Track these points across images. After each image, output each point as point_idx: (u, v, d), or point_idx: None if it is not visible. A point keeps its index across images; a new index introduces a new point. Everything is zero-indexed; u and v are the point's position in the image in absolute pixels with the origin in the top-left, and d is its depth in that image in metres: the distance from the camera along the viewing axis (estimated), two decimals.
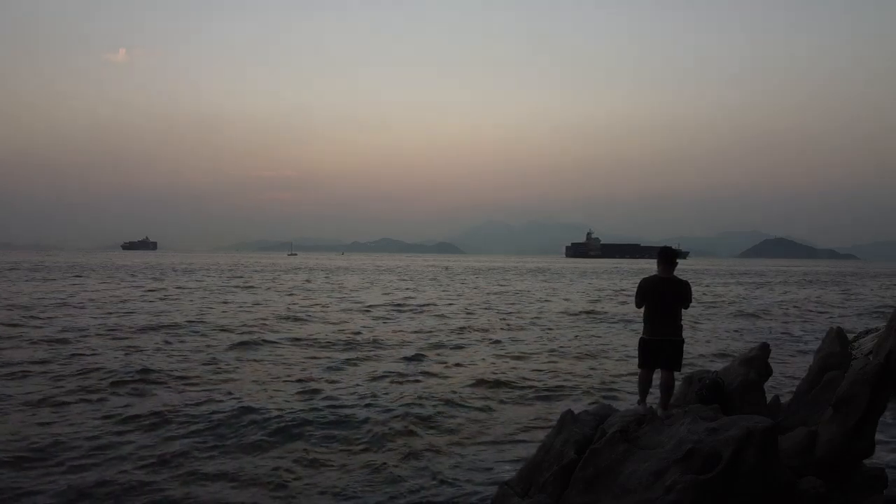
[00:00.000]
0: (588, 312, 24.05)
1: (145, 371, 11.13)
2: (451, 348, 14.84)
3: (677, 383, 6.49)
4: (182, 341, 15.01)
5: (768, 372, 6.37)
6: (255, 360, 13.02)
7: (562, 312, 24.06)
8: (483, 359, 13.47)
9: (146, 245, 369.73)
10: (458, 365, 12.74)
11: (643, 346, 6.25)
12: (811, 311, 26.54)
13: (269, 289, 35.05)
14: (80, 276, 43.60)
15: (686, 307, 6.20)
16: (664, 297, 6.10)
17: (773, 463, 4.41)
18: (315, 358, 13.31)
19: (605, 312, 23.84)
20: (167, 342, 14.69)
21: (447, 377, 11.45)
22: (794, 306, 28.15)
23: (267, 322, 18.91)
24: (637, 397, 6.68)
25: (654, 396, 6.39)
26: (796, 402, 6.13)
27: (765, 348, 6.44)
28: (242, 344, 14.79)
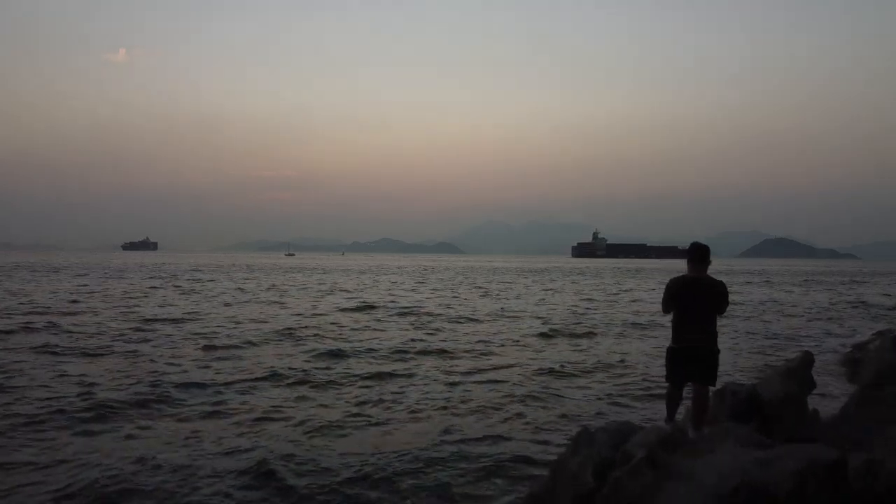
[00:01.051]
0: (602, 315, 22.76)
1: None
2: (448, 356, 13.82)
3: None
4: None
5: (811, 384, 5.61)
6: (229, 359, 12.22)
7: (572, 315, 22.86)
8: (485, 369, 12.41)
9: (146, 245, 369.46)
10: (453, 373, 11.82)
11: (672, 356, 5.41)
12: (825, 311, 25.67)
13: (267, 289, 34.28)
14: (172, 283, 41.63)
15: (721, 312, 5.39)
16: (696, 300, 5.32)
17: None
18: (299, 362, 12.47)
19: (621, 316, 22.52)
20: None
21: (439, 388, 10.51)
22: (808, 307, 27.25)
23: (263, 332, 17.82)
24: (658, 415, 5.93)
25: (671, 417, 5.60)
26: (844, 419, 5.37)
27: (807, 358, 5.67)
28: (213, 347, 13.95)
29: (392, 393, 9.89)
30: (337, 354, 13.31)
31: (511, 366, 12.45)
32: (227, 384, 10.22)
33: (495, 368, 12.13)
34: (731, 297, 5.54)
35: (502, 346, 15.23)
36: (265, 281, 43.41)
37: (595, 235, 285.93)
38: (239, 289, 34.13)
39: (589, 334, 17.40)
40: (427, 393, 9.92)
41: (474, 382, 10.80)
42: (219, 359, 12.64)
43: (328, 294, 31.68)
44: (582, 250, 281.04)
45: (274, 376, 10.84)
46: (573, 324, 19.69)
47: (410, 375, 11.29)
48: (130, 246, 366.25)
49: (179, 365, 11.78)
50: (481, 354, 13.91)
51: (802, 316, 23.29)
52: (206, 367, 11.75)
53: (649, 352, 14.15)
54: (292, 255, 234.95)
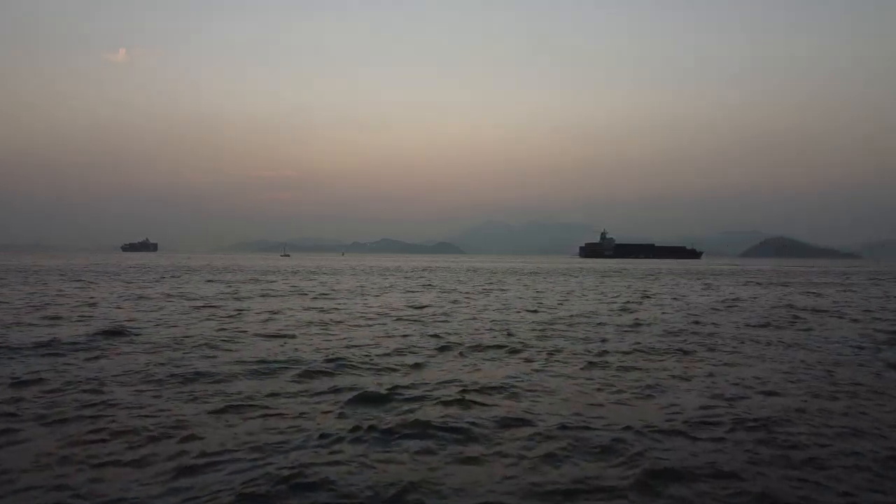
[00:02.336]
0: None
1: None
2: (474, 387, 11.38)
3: None
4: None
5: None
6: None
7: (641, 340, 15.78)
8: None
9: (146, 246, 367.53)
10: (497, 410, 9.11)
11: None
12: (863, 318, 23.81)
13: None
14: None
15: None
16: None
17: None
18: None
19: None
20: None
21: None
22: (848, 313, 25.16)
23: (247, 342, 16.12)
24: None
25: None
26: None
27: None
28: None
29: None
30: None
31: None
32: None
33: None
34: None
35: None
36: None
37: (603, 235, 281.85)
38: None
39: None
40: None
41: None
42: None
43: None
44: (590, 250, 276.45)
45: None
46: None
47: None
48: (130, 247, 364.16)
49: None
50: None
51: (849, 325, 21.13)
52: None
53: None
54: (287, 255, 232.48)
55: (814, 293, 36.14)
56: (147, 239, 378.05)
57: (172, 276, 48.09)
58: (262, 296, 29.81)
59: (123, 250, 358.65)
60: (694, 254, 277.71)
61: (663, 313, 22.97)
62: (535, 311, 23.02)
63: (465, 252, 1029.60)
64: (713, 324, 19.47)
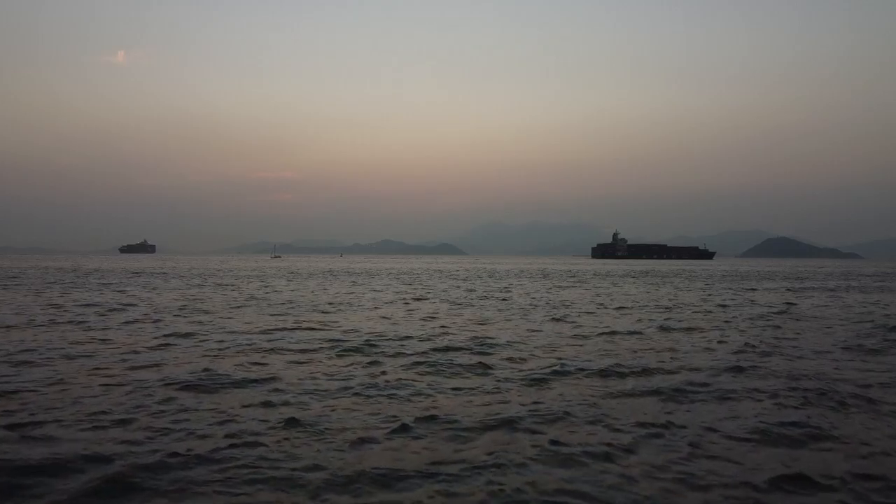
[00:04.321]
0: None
1: None
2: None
3: None
4: None
5: None
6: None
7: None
8: None
9: (145, 248, 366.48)
10: None
11: None
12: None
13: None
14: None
15: None
16: None
17: None
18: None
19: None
20: None
21: None
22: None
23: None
24: None
25: None
26: None
27: None
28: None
29: None
30: None
31: None
32: None
33: None
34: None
35: None
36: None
37: (615, 236, 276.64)
38: None
39: None
40: None
41: None
42: None
43: None
44: (603, 251, 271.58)
45: None
46: None
47: None
48: (128, 249, 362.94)
49: None
50: None
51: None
52: None
53: None
54: (278, 257, 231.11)
55: None
56: (145, 241, 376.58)
57: (129, 278, 45.91)
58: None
59: (121, 252, 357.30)
60: (707, 254, 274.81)
61: None
62: None
63: (466, 253, 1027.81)
64: None
